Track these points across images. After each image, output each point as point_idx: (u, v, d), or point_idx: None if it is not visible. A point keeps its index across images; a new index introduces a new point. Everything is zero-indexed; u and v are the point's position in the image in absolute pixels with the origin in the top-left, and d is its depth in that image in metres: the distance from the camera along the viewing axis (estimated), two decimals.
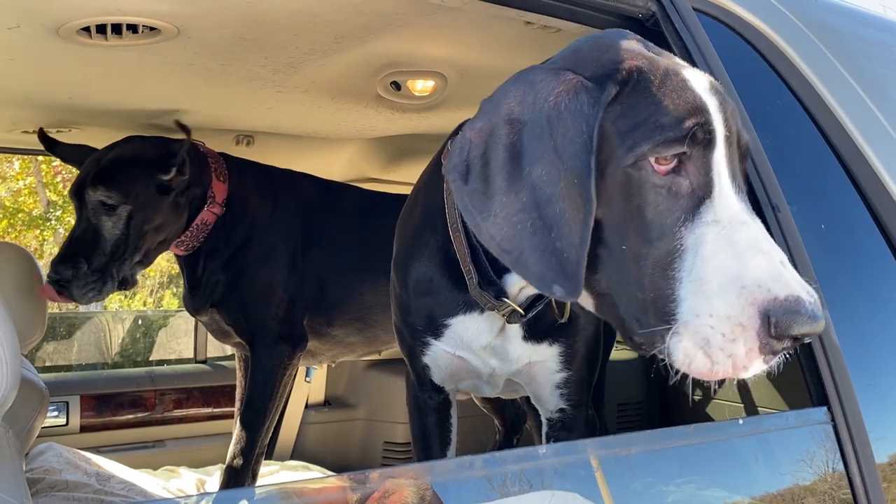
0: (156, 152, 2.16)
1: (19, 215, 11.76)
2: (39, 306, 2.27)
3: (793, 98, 1.39)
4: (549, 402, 1.49)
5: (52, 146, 2.31)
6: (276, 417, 2.51)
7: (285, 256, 2.40)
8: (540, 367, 1.42)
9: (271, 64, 1.74)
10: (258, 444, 2.41)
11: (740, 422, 0.99)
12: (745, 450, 0.96)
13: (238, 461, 2.39)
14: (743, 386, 3.53)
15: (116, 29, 1.48)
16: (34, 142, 2.56)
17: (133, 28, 1.49)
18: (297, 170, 2.65)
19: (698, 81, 0.98)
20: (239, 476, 2.39)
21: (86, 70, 1.77)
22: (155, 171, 2.14)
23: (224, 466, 2.45)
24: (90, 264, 2.20)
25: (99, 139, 2.34)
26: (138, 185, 2.17)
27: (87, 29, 1.46)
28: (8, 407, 1.03)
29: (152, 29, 1.50)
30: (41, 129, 2.28)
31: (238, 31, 1.53)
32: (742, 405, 3.52)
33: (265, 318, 2.36)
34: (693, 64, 1.24)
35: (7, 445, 1.20)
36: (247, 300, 2.36)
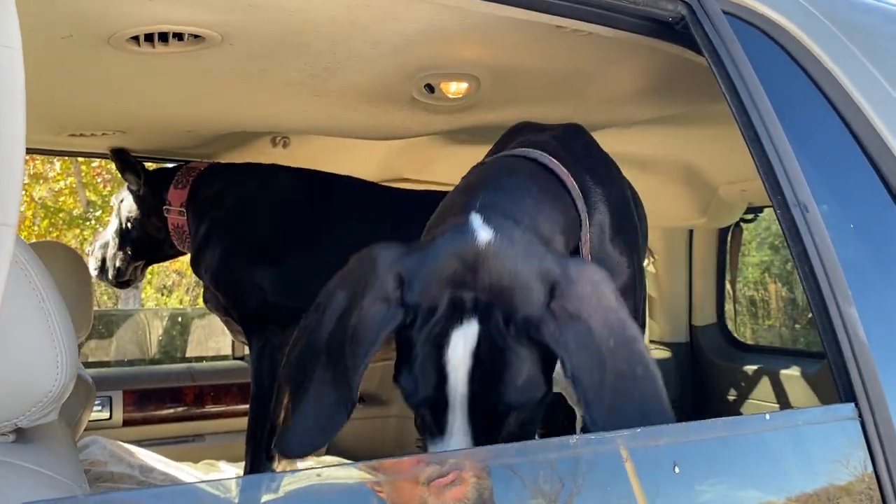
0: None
1: (60, 215, 12.02)
2: (86, 304, 2.35)
3: (822, 98, 1.40)
4: None
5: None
6: (284, 396, 2.55)
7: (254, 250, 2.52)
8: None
9: (309, 69, 1.79)
10: (268, 421, 2.50)
11: (767, 417, 1.02)
12: (774, 445, 0.98)
13: (255, 440, 2.51)
14: (779, 386, 3.51)
15: (163, 37, 1.54)
16: (80, 144, 2.66)
17: (179, 36, 1.55)
18: (324, 169, 2.72)
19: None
20: (257, 455, 2.51)
21: (133, 77, 1.84)
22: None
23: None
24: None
25: (137, 141, 2.44)
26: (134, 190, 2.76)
27: (136, 38, 1.52)
28: (66, 398, 1.09)
29: (196, 37, 1.56)
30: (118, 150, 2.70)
31: (279, 39, 1.58)
32: (778, 405, 3.50)
33: (247, 304, 2.49)
34: (722, 67, 1.27)
35: (64, 435, 1.27)
36: (226, 292, 2.53)
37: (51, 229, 11.97)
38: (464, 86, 2.11)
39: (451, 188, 3.22)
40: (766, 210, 3.83)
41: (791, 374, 3.41)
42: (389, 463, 0.84)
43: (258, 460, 2.51)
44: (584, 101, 2.31)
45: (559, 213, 1.28)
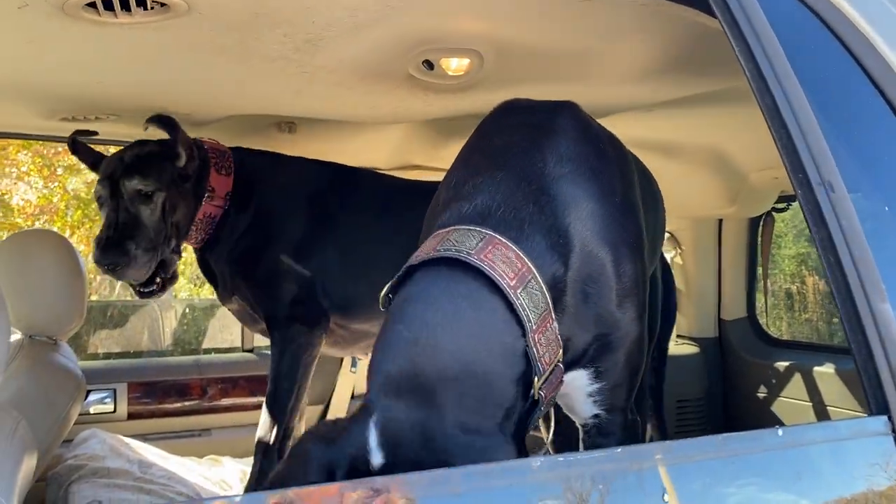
0: (164, 147, 2.31)
1: (92, 206, 12.13)
2: (78, 293, 2.27)
3: (855, 66, 1.22)
4: (583, 410, 1.38)
5: (76, 149, 2.45)
6: (303, 400, 2.49)
7: (293, 243, 2.41)
8: (569, 385, 1.31)
9: (291, 42, 1.67)
10: (284, 426, 2.39)
11: (780, 433, 0.85)
12: (787, 466, 0.82)
13: (266, 445, 2.38)
14: (812, 384, 3.34)
15: (125, 5, 1.43)
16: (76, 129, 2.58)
17: (143, 4, 1.44)
18: (338, 159, 2.62)
19: None
20: (268, 459, 2.38)
21: (106, 53, 1.74)
22: (170, 161, 2.29)
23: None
24: (138, 246, 2.29)
25: (137, 126, 2.34)
26: (165, 174, 2.29)
27: (93, 5, 1.41)
28: None
29: (163, 5, 1.44)
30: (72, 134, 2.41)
31: (249, 6, 1.46)
32: (810, 403, 3.34)
33: (280, 302, 2.37)
34: (735, 27, 1.10)
35: (7, 440, 1.17)
36: (258, 285, 2.39)
37: (84, 220, 12.10)
38: (465, 62, 1.97)
39: None
40: None
41: (825, 372, 3.27)
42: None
43: (269, 463, 2.40)
44: (597, 79, 2.16)
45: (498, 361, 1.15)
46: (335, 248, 2.45)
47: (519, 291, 1.14)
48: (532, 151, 1.36)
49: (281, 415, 2.37)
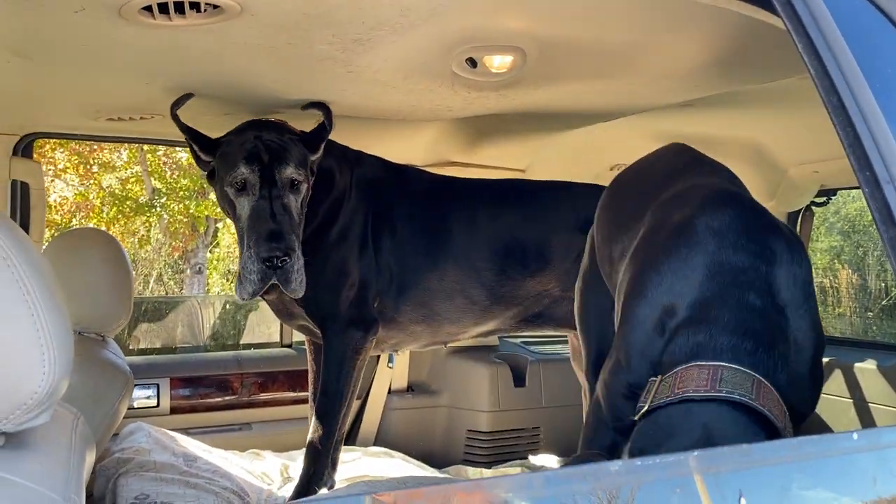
0: (303, 136, 2.20)
1: (127, 202, 12.30)
2: (126, 290, 2.30)
3: None
4: None
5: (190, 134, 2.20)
6: (352, 403, 2.48)
7: (358, 239, 2.36)
8: None
9: (339, 42, 1.67)
10: (336, 431, 2.38)
11: (854, 436, 0.84)
12: (858, 468, 0.81)
13: (317, 449, 2.36)
14: (853, 381, 3.29)
15: (179, 8, 1.45)
16: (120, 129, 2.61)
17: (196, 7, 1.45)
18: (375, 154, 2.61)
19: None
20: (318, 464, 2.37)
21: (157, 54, 1.76)
22: (310, 151, 2.20)
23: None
24: (298, 239, 2.12)
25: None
26: (307, 165, 2.20)
27: (149, 8, 1.43)
28: (60, 395, 0.99)
29: (215, 7, 1.46)
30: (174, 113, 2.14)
31: (300, 7, 1.47)
32: (851, 400, 3.28)
33: (337, 303, 2.31)
34: (799, 23, 1.09)
35: (69, 436, 1.19)
36: (318, 284, 2.28)
37: (118, 217, 12.27)
38: (508, 59, 1.97)
39: (499, 171, 3.10)
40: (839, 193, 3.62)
41: (866, 368, 3.21)
42: None
43: (321, 468, 2.36)
44: (641, 76, 2.14)
45: None
46: (406, 250, 2.41)
47: None
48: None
49: (333, 418, 2.33)
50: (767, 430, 1.17)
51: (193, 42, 1.65)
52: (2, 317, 0.90)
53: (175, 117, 2.12)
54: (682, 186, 1.69)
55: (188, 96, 2.13)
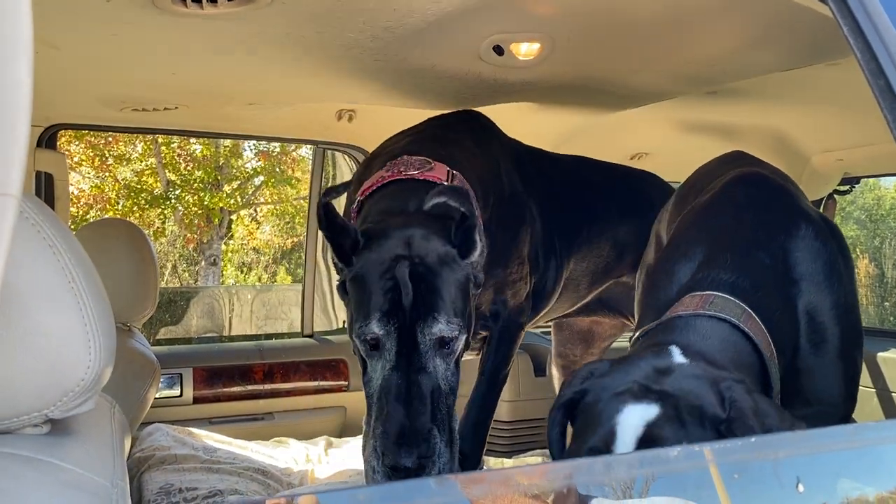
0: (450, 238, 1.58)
1: (142, 195, 12.36)
2: (151, 281, 2.31)
3: None
4: None
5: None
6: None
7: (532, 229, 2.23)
8: None
9: (369, 30, 1.67)
10: (493, 412, 2.17)
11: None
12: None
13: (477, 432, 2.12)
14: (875, 370, 3.26)
15: None
16: (142, 120, 2.62)
17: None
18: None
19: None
20: (479, 447, 2.13)
21: (186, 44, 1.75)
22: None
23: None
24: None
25: (200, 116, 2.36)
26: (467, 296, 1.69)
27: None
28: (104, 383, 1.00)
29: None
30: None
31: None
32: (874, 389, 3.26)
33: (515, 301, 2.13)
34: (844, 5, 1.08)
35: (109, 423, 1.20)
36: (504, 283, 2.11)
37: (134, 208, 12.33)
38: (535, 46, 1.95)
39: None
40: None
41: (889, 357, 3.18)
42: None
43: (479, 453, 2.12)
44: (670, 62, 2.12)
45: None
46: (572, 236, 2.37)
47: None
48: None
49: (494, 401, 2.14)
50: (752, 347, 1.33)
51: (223, 31, 1.65)
52: (50, 305, 0.90)
53: (325, 206, 1.52)
54: (723, 177, 1.80)
55: (346, 186, 1.88)
